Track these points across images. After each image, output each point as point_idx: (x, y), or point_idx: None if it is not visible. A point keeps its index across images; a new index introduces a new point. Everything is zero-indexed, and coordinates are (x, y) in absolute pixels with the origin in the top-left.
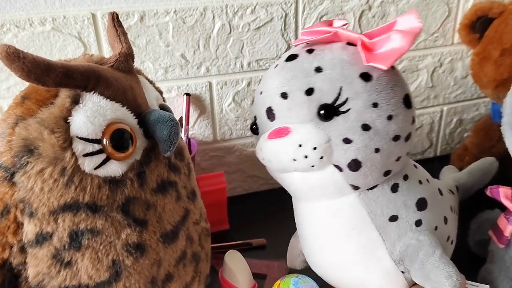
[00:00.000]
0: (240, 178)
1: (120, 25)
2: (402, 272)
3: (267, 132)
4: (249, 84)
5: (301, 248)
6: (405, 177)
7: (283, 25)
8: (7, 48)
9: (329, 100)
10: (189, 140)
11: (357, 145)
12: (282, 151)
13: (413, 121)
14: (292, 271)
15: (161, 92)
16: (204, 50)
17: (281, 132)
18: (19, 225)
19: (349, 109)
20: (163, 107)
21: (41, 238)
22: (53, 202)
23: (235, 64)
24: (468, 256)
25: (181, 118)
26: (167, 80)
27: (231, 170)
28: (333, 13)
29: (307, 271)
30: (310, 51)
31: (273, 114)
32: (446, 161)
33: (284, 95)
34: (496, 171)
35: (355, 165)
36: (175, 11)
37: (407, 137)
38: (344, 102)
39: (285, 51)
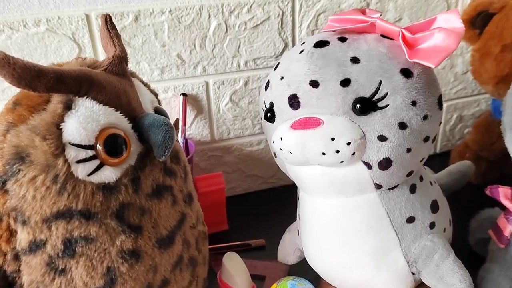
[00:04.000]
0: (239, 177)
1: (114, 28)
2: (413, 273)
3: (289, 121)
4: (246, 83)
5: (298, 243)
6: (421, 178)
7: (280, 23)
8: None
9: (366, 94)
10: (186, 140)
11: (392, 143)
12: (311, 143)
13: (440, 123)
14: (291, 272)
15: (156, 94)
16: (201, 50)
17: (311, 123)
18: (12, 233)
19: (387, 105)
20: (158, 111)
21: (35, 246)
22: (45, 210)
23: (232, 63)
24: (468, 255)
25: (177, 120)
26: (164, 81)
27: (230, 169)
28: (331, 10)
29: (298, 266)
30: (342, 39)
31: (299, 102)
32: (446, 158)
33: (314, 83)
34: (472, 175)
35: (386, 163)
36: (170, 11)
37: (434, 139)
38: (383, 97)
39: (282, 50)
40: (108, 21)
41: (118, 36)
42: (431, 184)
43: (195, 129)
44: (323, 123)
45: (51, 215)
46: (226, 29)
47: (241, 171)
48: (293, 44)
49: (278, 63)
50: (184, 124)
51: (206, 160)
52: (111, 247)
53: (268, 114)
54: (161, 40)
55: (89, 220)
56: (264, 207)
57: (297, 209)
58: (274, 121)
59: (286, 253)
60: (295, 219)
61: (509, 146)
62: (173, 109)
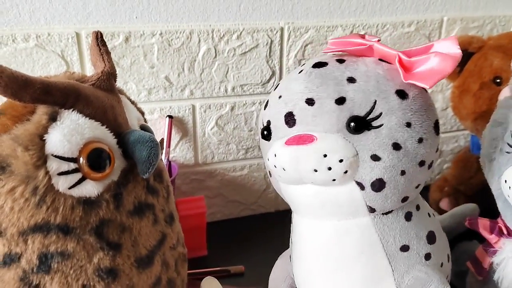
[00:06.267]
0: (220, 203)
1: (104, 44)
2: None
3: (284, 138)
4: (232, 108)
5: (289, 270)
6: (417, 207)
7: (268, 51)
8: None
9: (361, 113)
10: (169, 162)
11: (385, 163)
12: (304, 159)
13: (437, 149)
14: None
15: (142, 113)
16: (189, 73)
17: (304, 139)
18: None
19: (381, 125)
20: (144, 128)
21: (9, 260)
22: (23, 222)
23: (220, 88)
24: None
25: (162, 140)
26: (150, 102)
27: (212, 194)
28: (318, 41)
29: None
30: (340, 61)
31: (294, 119)
32: (425, 192)
33: (310, 101)
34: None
35: (379, 184)
36: (161, 33)
37: (430, 165)
38: (378, 117)
39: (269, 77)
40: (99, 37)
41: (108, 53)
42: (429, 215)
43: (179, 152)
44: (316, 139)
45: (28, 228)
46: (215, 54)
47: (223, 196)
48: (281, 73)
49: (279, 84)
50: (169, 146)
51: (188, 184)
52: (88, 264)
53: (265, 132)
54: (150, 61)
55: (67, 235)
56: (244, 234)
57: (290, 234)
58: (270, 139)
59: (278, 281)
60: (276, 247)
61: (489, 177)
62: (158, 131)
